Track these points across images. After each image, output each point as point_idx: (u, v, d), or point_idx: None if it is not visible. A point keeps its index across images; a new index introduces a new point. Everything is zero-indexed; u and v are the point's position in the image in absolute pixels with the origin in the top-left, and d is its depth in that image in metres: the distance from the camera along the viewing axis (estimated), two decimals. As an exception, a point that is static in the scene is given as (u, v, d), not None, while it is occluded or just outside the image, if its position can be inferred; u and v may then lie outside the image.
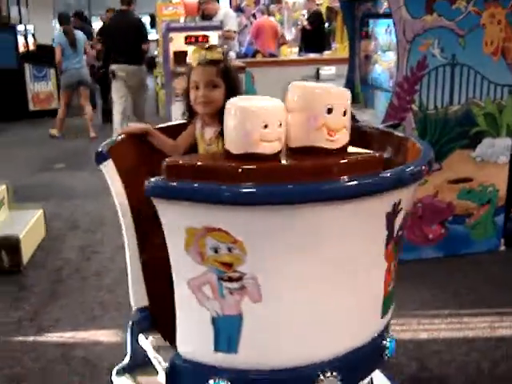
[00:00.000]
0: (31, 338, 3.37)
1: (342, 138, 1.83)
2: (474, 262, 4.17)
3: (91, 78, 9.86)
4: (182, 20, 9.83)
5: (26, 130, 10.16)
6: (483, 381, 2.89)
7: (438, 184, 4.06)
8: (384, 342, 2.06)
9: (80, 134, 9.43)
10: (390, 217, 1.77)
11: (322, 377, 1.82)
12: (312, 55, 8.22)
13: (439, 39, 3.88)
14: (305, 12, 12.26)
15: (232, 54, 7.54)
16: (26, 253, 4.40)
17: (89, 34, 11.28)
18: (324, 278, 1.76)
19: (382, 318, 1.99)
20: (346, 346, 1.89)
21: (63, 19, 9.54)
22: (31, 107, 11.43)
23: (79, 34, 9.48)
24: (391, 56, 4.10)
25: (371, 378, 2.35)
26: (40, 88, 11.47)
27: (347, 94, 1.89)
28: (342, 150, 1.84)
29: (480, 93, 4.04)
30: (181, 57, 6.66)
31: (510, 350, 3.14)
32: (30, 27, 12.76)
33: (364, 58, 4.72)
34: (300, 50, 9.59)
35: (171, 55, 6.77)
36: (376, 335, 2.01)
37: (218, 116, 2.31)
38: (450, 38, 3.90)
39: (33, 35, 12.68)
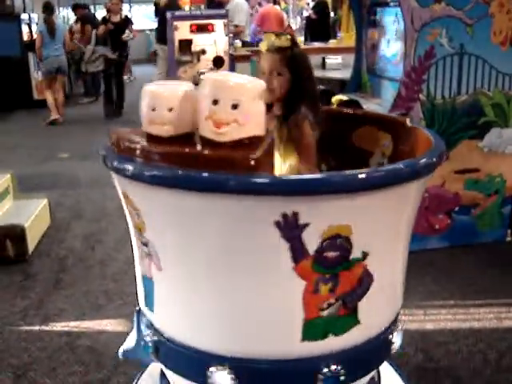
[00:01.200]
0: (37, 328, 3.37)
1: (232, 131, 1.71)
2: (481, 252, 4.15)
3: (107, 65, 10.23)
4: (187, 8, 9.79)
5: (30, 118, 10.16)
6: (489, 372, 2.88)
7: (444, 174, 4.03)
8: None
9: (83, 124, 9.42)
10: (285, 227, 1.62)
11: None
12: (318, 44, 8.18)
13: (447, 28, 3.84)
14: (310, 1, 12.22)
15: (238, 42, 7.50)
16: (31, 242, 4.40)
17: (92, 21, 11.35)
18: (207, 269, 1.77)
19: (302, 341, 1.79)
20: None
21: (46, 8, 9.97)
22: (35, 96, 11.41)
23: (60, 24, 10.51)
24: (399, 45, 4.07)
25: (377, 370, 2.35)
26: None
27: (242, 87, 1.74)
28: (234, 145, 1.71)
29: (488, 83, 4.01)
30: (185, 45, 6.64)
31: (517, 342, 3.13)
32: (34, 16, 12.73)
33: (371, 47, 4.68)
34: (305, 40, 9.54)
35: (176, 44, 6.73)
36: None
37: (280, 105, 2.35)
38: (458, 27, 3.86)
39: (36, 24, 12.63)
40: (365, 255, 1.72)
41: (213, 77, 1.80)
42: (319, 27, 9.70)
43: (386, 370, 2.50)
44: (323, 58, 7.10)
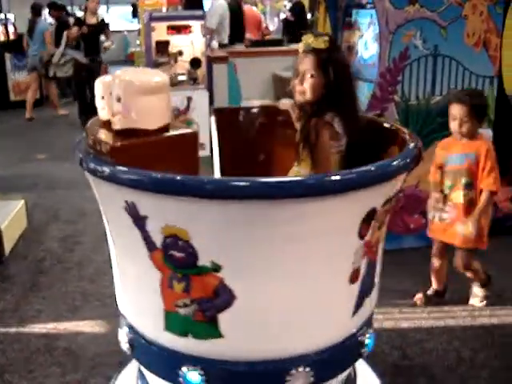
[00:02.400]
0: (13, 329, 3.36)
1: (118, 121, 1.93)
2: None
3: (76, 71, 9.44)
4: (164, 10, 9.77)
5: (7, 119, 10.06)
6: (464, 369, 2.92)
7: (419, 174, 4.07)
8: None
9: (61, 125, 9.36)
10: (130, 214, 1.79)
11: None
12: (294, 46, 8.20)
13: (421, 30, 3.90)
14: (287, 3, 12.25)
15: (214, 44, 7.51)
16: (8, 244, 4.37)
17: (65, 23, 10.97)
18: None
19: (165, 330, 1.93)
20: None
21: (32, 9, 10.42)
22: (12, 97, 11.30)
23: (40, 24, 10.32)
24: (374, 47, 4.11)
25: (354, 367, 2.38)
26: (21, 77, 11.33)
27: (123, 83, 1.91)
28: (120, 133, 1.93)
29: (462, 84, 4.07)
30: (163, 46, 6.62)
31: (490, 339, 3.18)
32: (11, 16, 12.62)
33: (347, 49, 4.72)
34: (282, 41, 9.57)
35: (153, 45, 6.72)
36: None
37: (311, 107, 2.29)
38: (432, 28, 3.92)
39: (13, 24, 12.54)
40: (217, 267, 1.75)
41: (116, 72, 2.00)
42: (297, 28, 9.71)
43: (362, 367, 2.54)
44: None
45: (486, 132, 4.14)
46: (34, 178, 6.38)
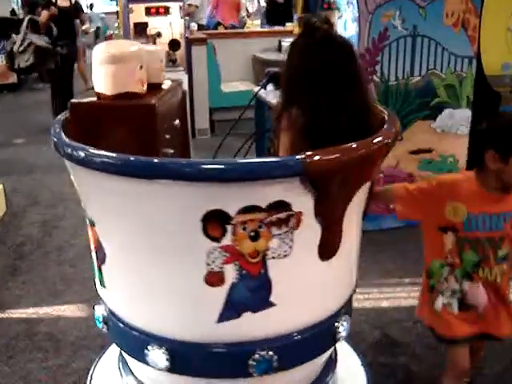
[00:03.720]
0: (-7, 315, 3.34)
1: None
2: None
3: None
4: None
5: (-17, 104, 9.94)
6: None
7: (398, 154, 4.09)
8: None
9: (38, 109, 9.26)
10: None
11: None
12: (274, 28, 8.18)
13: (400, 10, 3.89)
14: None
15: (194, 25, 7.44)
16: (-14, 229, 4.34)
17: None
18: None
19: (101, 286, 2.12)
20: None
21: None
22: (-12, 81, 11.16)
23: None
24: (354, 27, 4.10)
25: (334, 347, 2.39)
26: (-3, 62, 11.18)
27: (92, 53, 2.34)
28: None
29: (441, 64, 4.08)
30: (141, 28, 6.55)
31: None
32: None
33: (326, 30, 4.70)
34: (262, 23, 9.52)
35: (131, 27, 6.64)
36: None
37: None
38: (410, 8, 3.92)
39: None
40: (92, 223, 2.02)
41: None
42: (280, 10, 9.63)
43: (343, 347, 2.55)
44: (279, 41, 7.12)
45: (464, 112, 4.18)
46: (12, 163, 6.32)
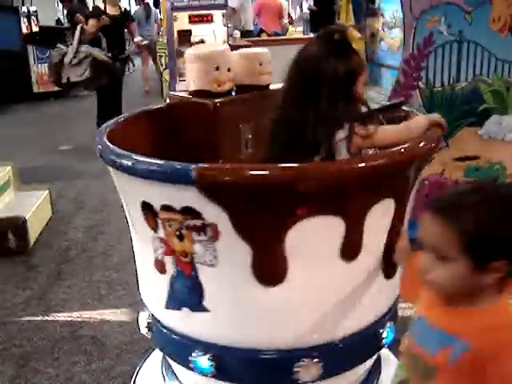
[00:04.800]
0: (39, 318, 3.40)
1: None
2: None
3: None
4: (185, -1, 9.72)
5: (31, 111, 10.15)
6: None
7: (444, 162, 4.03)
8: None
9: (84, 115, 9.40)
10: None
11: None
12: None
13: (446, 15, 3.83)
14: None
15: (236, 33, 7.48)
16: (33, 234, 4.42)
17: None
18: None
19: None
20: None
21: None
22: (35, 89, 11.40)
23: None
24: (398, 33, 4.06)
25: (379, 355, 2.36)
26: (44, 70, 11.40)
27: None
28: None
29: (487, 70, 4.00)
30: (185, 36, 6.62)
31: None
32: (33, 9, 12.69)
33: (370, 36, 4.68)
34: (306, 30, 9.52)
35: (175, 34, 6.71)
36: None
37: None
38: (456, 14, 3.85)
39: (35, 17, 12.61)
40: None
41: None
42: (323, 18, 9.62)
43: (386, 355, 2.52)
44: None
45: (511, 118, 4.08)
46: (58, 169, 6.44)
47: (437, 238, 1.37)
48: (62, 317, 3.40)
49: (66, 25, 12.13)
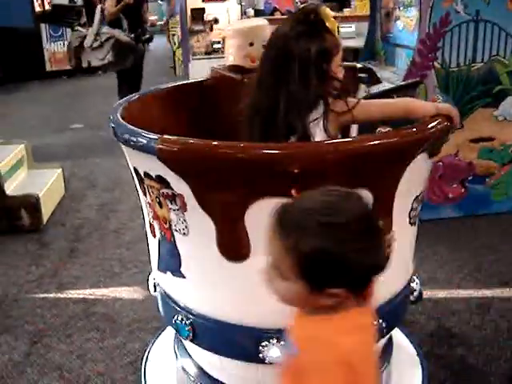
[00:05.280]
0: (52, 295, 3.42)
1: None
2: (494, 222, 4.13)
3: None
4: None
5: (43, 90, 10.17)
6: (501, 340, 2.88)
7: (459, 143, 4.01)
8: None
9: (96, 94, 9.40)
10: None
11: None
12: (332, 13, 8.08)
13: (463, -5, 3.79)
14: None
15: (250, 11, 7.43)
16: (46, 211, 4.43)
17: None
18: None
19: None
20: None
21: None
22: (48, 67, 11.41)
23: None
24: (413, 12, 4.01)
25: (390, 336, 2.36)
26: (56, 48, 11.42)
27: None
28: None
29: (504, 50, 3.95)
30: (198, 14, 6.58)
31: (529, 310, 3.13)
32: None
33: (385, 15, 4.62)
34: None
35: (188, 13, 6.67)
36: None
37: None
38: (473, -7, 3.81)
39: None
40: None
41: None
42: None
43: (399, 337, 2.52)
44: (336, 27, 7.02)
45: None
46: (71, 147, 6.45)
47: (276, 256, 1.28)
48: (74, 294, 3.42)
49: (80, 3, 12.07)
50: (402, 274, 2.08)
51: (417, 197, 1.96)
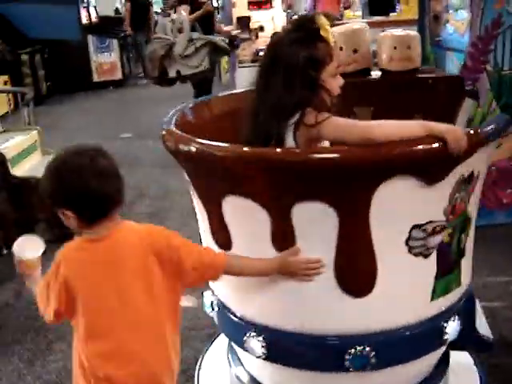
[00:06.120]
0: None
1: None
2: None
3: None
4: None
5: (92, 100, 10.33)
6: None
7: (513, 147, 3.93)
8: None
9: (144, 104, 9.51)
10: None
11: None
12: (377, 18, 8.03)
13: (515, -5, 3.72)
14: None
15: (295, 18, 7.41)
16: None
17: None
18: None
19: None
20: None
21: None
22: (95, 78, 11.61)
23: None
24: (464, 15, 3.95)
25: (445, 356, 2.31)
26: (103, 59, 11.62)
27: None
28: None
29: (557, 51, 3.86)
30: (244, 22, 6.60)
31: None
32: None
33: (434, 18, 4.56)
34: (365, 13, 9.36)
35: (234, 21, 6.70)
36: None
37: None
38: (526, -7, 3.73)
39: (94, 7, 12.81)
40: None
41: None
42: (380, 0, 9.44)
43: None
44: (383, 31, 6.97)
45: None
46: (120, 157, 6.33)
47: None
48: None
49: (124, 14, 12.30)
50: (400, 307, 1.94)
51: (419, 226, 1.83)
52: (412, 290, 1.93)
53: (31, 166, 4.72)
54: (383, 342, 1.91)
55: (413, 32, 2.81)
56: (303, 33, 1.88)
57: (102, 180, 1.77)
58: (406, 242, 1.84)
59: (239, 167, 1.79)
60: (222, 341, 2.59)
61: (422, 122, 1.75)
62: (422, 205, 1.82)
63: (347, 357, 1.89)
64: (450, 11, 4.23)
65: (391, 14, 7.76)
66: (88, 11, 12.17)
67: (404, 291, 1.91)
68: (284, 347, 1.99)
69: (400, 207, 1.79)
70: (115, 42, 11.66)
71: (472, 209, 2.00)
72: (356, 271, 1.87)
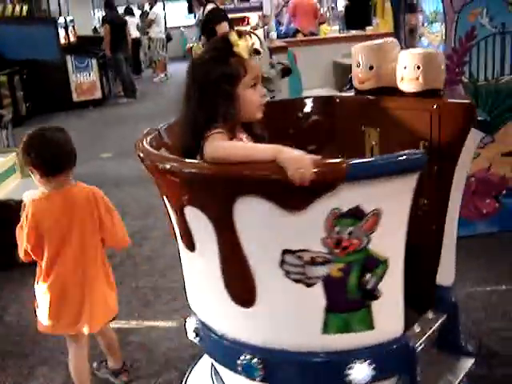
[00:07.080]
0: (87, 325, 3.40)
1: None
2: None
3: None
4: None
5: (72, 120, 10.27)
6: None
7: (490, 157, 3.95)
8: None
9: (124, 123, 9.48)
10: None
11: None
12: (353, 32, 8.11)
13: (488, 8, 3.76)
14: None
15: (273, 35, 7.47)
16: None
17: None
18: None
19: None
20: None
21: None
22: (75, 98, 11.56)
23: None
24: (438, 28, 3.99)
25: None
26: (83, 79, 11.58)
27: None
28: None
29: (533, 62, 3.91)
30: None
31: None
32: (70, 18, 12.90)
33: (409, 32, 4.60)
34: (342, 28, 9.45)
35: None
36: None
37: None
38: (498, 6, 3.78)
39: (73, 27, 12.81)
40: None
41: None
42: (357, 14, 9.54)
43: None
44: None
45: None
46: (100, 176, 6.48)
47: None
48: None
49: (102, 33, 12.32)
50: (284, 328, 1.93)
51: (292, 252, 1.78)
52: (296, 315, 1.90)
53: (10, 189, 4.69)
54: (272, 359, 1.94)
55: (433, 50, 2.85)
56: (216, 52, 2.00)
57: (57, 146, 2.58)
58: (281, 265, 1.80)
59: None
60: (206, 362, 2.57)
61: (277, 147, 1.71)
62: (289, 231, 1.77)
63: (239, 362, 1.96)
64: (425, 24, 4.27)
65: (367, 28, 7.82)
66: (66, 31, 12.16)
67: (287, 313, 1.90)
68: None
69: (264, 229, 1.80)
70: (94, 61, 11.63)
71: (382, 249, 1.83)
72: (236, 281, 1.92)
